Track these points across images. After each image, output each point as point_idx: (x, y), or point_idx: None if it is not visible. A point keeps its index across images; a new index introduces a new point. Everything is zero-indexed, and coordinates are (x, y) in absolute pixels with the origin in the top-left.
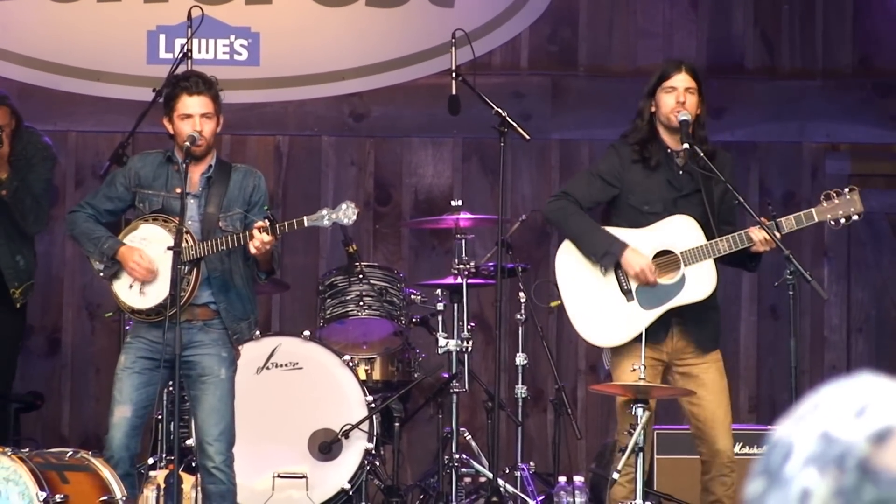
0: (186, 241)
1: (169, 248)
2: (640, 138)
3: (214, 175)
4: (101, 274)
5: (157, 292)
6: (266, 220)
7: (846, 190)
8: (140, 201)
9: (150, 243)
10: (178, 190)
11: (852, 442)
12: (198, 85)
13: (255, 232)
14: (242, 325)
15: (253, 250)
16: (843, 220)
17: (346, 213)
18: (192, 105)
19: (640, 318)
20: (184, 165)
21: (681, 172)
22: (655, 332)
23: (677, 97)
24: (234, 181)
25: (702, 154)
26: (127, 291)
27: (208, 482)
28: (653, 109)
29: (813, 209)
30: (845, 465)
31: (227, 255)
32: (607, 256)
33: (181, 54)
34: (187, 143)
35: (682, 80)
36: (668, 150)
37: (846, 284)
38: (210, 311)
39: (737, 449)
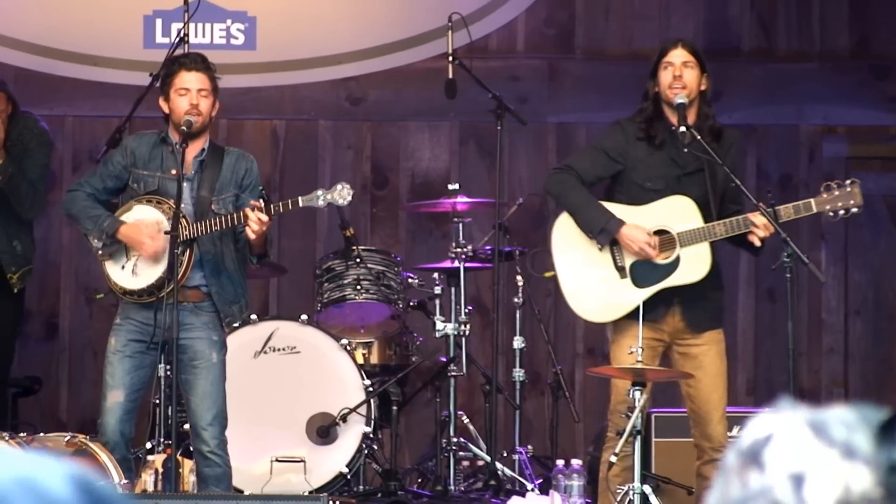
0: (180, 223)
1: (166, 233)
2: (645, 117)
3: (207, 158)
4: (100, 252)
5: (150, 273)
6: (261, 200)
7: (847, 182)
8: (134, 181)
9: (143, 224)
10: (174, 172)
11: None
12: (195, 62)
13: (249, 211)
14: (234, 309)
15: (251, 234)
16: (841, 213)
17: (342, 194)
18: (190, 80)
19: (631, 296)
20: (180, 147)
21: (685, 150)
22: (654, 309)
23: (674, 71)
24: (227, 165)
25: (698, 137)
26: (119, 272)
27: (204, 466)
28: (656, 90)
29: (812, 199)
30: None
31: (219, 239)
32: (603, 233)
33: (178, 39)
34: (184, 127)
35: (678, 56)
36: (673, 129)
37: (844, 267)
38: (201, 293)
39: (734, 432)
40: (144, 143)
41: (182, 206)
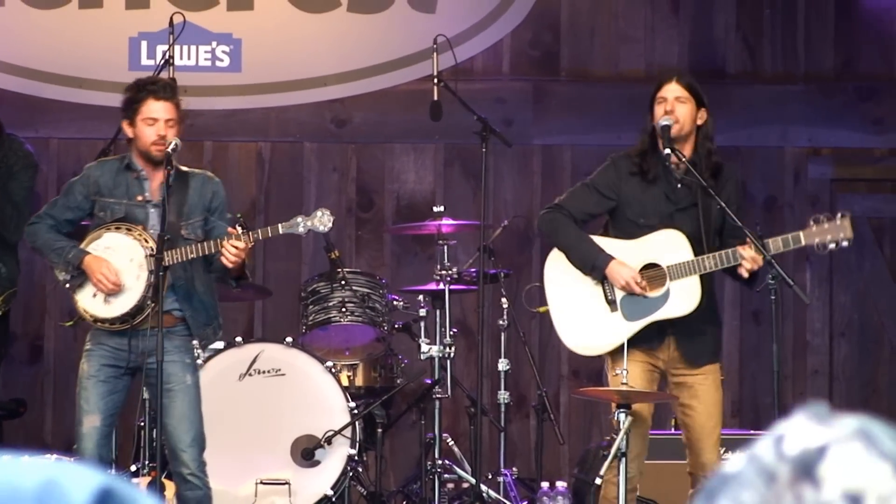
0: (152, 250)
1: (150, 255)
2: (639, 150)
3: (173, 183)
4: (67, 285)
5: (123, 302)
6: (238, 227)
7: (838, 215)
8: (100, 210)
9: (113, 252)
10: (140, 198)
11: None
12: (165, 90)
13: (226, 242)
14: (208, 331)
15: (228, 264)
16: (831, 245)
17: (322, 221)
18: (158, 110)
19: (621, 330)
20: (168, 167)
21: (679, 186)
22: (649, 339)
23: (665, 107)
24: (193, 188)
25: (684, 159)
26: (91, 300)
27: (185, 489)
28: (652, 124)
29: (801, 232)
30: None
31: (190, 263)
32: (594, 270)
33: (163, 61)
34: (169, 151)
35: (671, 91)
36: (667, 164)
37: (828, 288)
38: (173, 317)
39: (722, 454)
40: (107, 171)
41: (151, 231)
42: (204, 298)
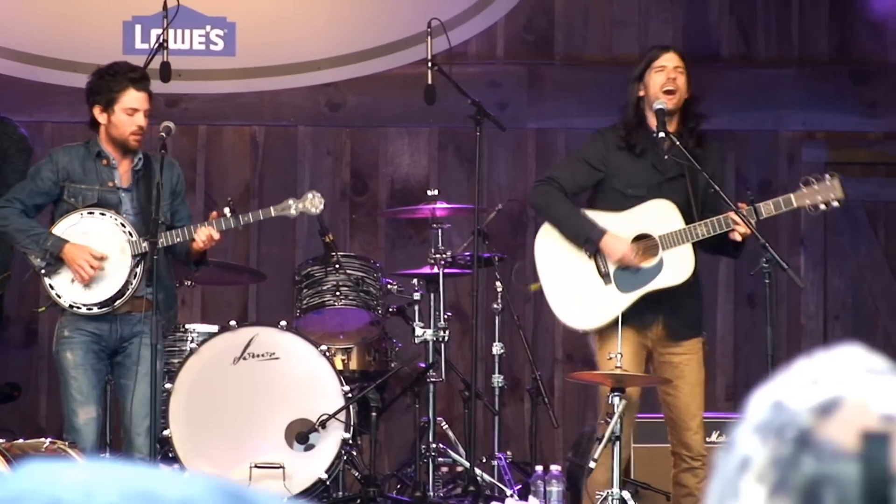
0: (131, 235)
1: (145, 240)
2: (626, 125)
3: (143, 168)
4: (42, 271)
5: (106, 287)
6: (227, 210)
7: (826, 175)
8: (70, 195)
9: (91, 237)
10: (111, 184)
11: (797, 411)
12: (145, 80)
13: (206, 227)
14: (171, 314)
15: (200, 245)
16: (822, 206)
17: (313, 202)
18: (139, 101)
19: (617, 302)
20: (162, 151)
21: (666, 157)
22: (642, 316)
23: (667, 74)
24: (158, 172)
25: (677, 143)
26: (69, 286)
27: None
28: (641, 94)
29: (791, 194)
30: (785, 434)
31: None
32: (588, 243)
33: (157, 44)
34: (163, 134)
35: (670, 59)
36: (655, 135)
37: (823, 272)
38: (148, 302)
39: (713, 437)
40: (75, 157)
41: (125, 216)
42: (167, 282)
